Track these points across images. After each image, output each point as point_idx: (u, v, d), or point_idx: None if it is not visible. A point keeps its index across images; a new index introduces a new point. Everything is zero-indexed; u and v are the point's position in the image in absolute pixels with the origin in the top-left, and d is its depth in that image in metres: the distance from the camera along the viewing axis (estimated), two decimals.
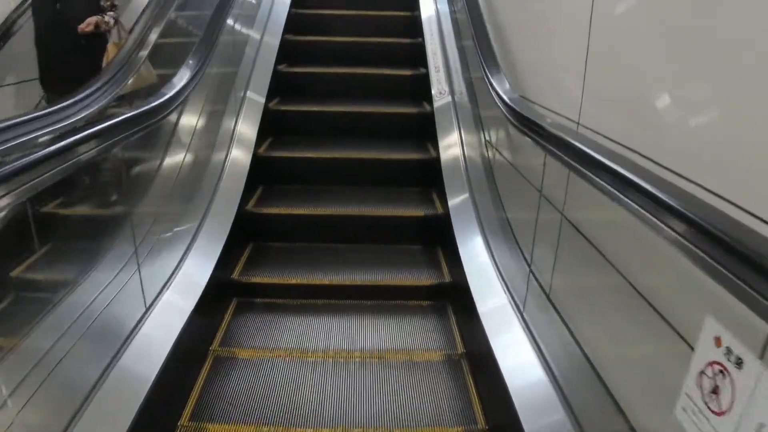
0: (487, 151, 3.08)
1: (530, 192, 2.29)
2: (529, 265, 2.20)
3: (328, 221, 3.36)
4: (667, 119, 1.47)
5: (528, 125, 2.07)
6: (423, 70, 4.36)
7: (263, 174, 3.63)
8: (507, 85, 2.53)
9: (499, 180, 2.86)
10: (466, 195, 3.17)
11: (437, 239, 3.33)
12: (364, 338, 2.63)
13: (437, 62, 4.17)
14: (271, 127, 3.93)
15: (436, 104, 3.88)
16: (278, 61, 4.28)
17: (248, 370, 2.41)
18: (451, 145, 3.55)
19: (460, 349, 2.57)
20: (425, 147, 3.90)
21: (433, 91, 3.97)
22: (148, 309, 2.22)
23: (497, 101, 2.47)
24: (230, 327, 2.70)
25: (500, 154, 2.85)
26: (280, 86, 4.23)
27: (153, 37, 3.10)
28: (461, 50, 3.99)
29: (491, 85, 2.59)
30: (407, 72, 4.48)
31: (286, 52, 4.49)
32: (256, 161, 3.51)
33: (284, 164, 3.74)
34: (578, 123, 1.92)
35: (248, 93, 3.82)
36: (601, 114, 1.84)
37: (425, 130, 3.96)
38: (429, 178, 3.67)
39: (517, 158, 2.60)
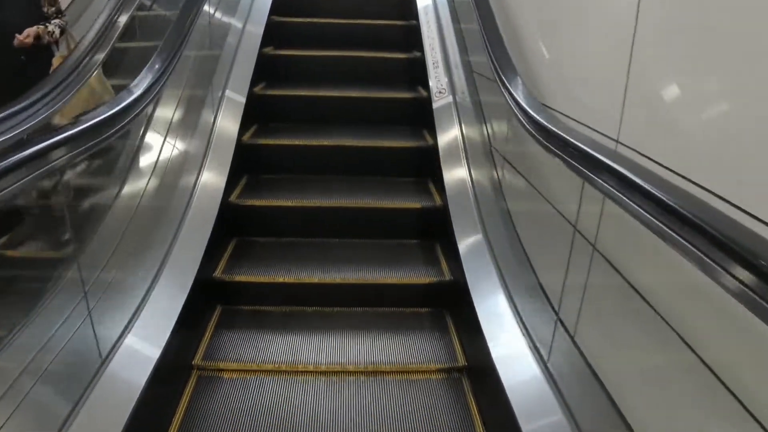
0: (494, 161, 2.79)
1: (543, 208, 2.06)
2: (556, 313, 1.91)
3: (317, 214, 3.13)
4: (748, 146, 1.15)
5: (568, 151, 1.64)
6: (418, 54, 4.14)
7: (248, 163, 3.40)
8: (530, 96, 2.11)
9: (508, 191, 2.59)
10: (467, 188, 2.96)
11: (435, 233, 3.12)
12: (357, 353, 2.41)
13: (435, 56, 3.85)
14: (256, 113, 3.68)
15: (435, 104, 3.56)
16: (264, 44, 4.02)
17: (235, 390, 2.20)
18: (452, 144, 3.26)
19: (461, 361, 2.39)
20: (421, 134, 3.69)
21: (431, 83, 3.70)
22: (132, 318, 2.04)
23: (521, 117, 2.06)
24: (213, 340, 2.47)
25: (511, 164, 2.55)
26: (265, 70, 3.97)
27: (110, 41, 2.57)
28: (458, 33, 3.76)
29: (510, 95, 2.18)
30: (401, 55, 4.25)
31: (273, 34, 4.22)
32: (240, 149, 3.27)
33: (270, 152, 3.50)
34: (617, 141, 1.59)
35: (231, 77, 3.54)
36: (649, 132, 1.50)
37: (421, 117, 3.73)
38: (426, 167, 3.44)
39: (535, 175, 2.28)
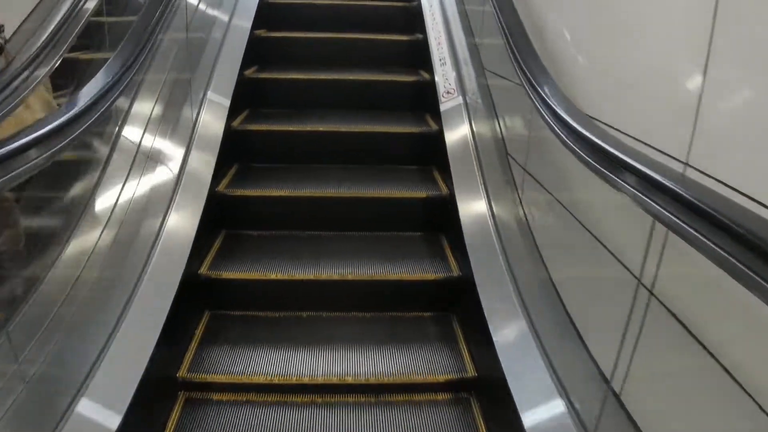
0: (512, 174, 2.43)
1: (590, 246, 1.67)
2: (608, 382, 1.55)
3: (313, 204, 2.90)
4: None
5: (628, 177, 1.22)
6: (420, 36, 3.89)
7: (238, 151, 3.17)
8: (570, 104, 1.66)
9: (534, 215, 2.19)
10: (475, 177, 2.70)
11: (440, 225, 2.89)
12: (356, 363, 2.19)
13: (442, 52, 3.46)
14: (247, 98, 3.45)
15: (443, 107, 3.16)
16: (256, 26, 3.76)
17: (228, 413, 2.02)
18: (464, 152, 2.86)
19: (471, 372, 2.19)
20: (424, 119, 3.45)
21: (437, 78, 3.34)
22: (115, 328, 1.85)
23: (557, 128, 1.65)
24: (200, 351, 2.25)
25: (534, 178, 2.17)
26: (257, 53, 3.72)
27: (59, 52, 2.14)
28: (464, 19, 3.48)
29: (545, 103, 1.74)
30: (403, 37, 3.99)
31: (265, 15, 3.95)
32: (230, 135, 3.03)
33: (263, 139, 3.25)
34: (686, 164, 1.23)
35: (219, 60, 3.26)
36: (739, 155, 1.14)
37: (423, 101, 3.52)
38: (429, 154, 3.22)
39: (568, 194, 1.90)
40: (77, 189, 2.23)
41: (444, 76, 3.34)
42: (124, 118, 2.40)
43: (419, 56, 3.78)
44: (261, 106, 3.56)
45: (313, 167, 3.20)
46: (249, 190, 2.88)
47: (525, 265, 2.14)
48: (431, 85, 3.41)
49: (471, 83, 3.11)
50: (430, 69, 3.53)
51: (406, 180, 3.08)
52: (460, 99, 3.13)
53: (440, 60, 3.45)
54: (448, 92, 3.20)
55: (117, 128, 2.36)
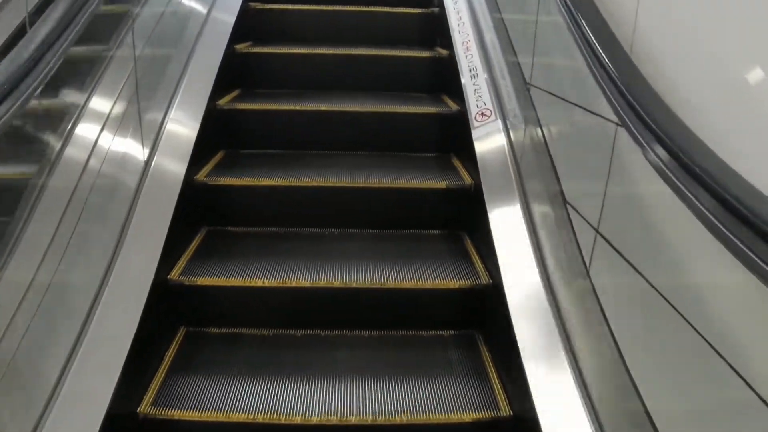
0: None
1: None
2: None
3: (310, 197, 2.49)
4: None
5: None
6: (435, 10, 3.45)
7: (225, 134, 2.74)
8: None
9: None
10: None
11: (462, 221, 2.47)
12: (361, 398, 1.77)
13: (472, 60, 2.81)
14: (239, 76, 3.05)
15: (476, 132, 2.47)
16: None
17: None
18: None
19: (505, 410, 1.76)
20: (440, 99, 3.03)
21: (468, 96, 2.67)
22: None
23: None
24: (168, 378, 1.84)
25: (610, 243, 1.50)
26: (252, 27, 3.31)
27: None
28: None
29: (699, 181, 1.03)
30: (415, 10, 3.55)
31: None
32: (216, 116, 2.60)
33: (254, 120, 2.83)
34: None
35: (204, 32, 2.81)
36: None
37: (439, 80, 3.13)
38: (448, 139, 2.81)
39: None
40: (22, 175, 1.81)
41: (477, 93, 2.67)
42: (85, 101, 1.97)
43: (436, 30, 3.37)
44: (254, 86, 3.14)
45: (314, 154, 2.78)
46: (235, 179, 2.45)
47: None
48: (448, 62, 2.99)
49: (507, 88, 2.53)
50: (447, 45, 3.08)
51: (422, 168, 2.65)
52: (499, 123, 2.47)
53: (470, 69, 2.81)
54: (482, 114, 2.54)
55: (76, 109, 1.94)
